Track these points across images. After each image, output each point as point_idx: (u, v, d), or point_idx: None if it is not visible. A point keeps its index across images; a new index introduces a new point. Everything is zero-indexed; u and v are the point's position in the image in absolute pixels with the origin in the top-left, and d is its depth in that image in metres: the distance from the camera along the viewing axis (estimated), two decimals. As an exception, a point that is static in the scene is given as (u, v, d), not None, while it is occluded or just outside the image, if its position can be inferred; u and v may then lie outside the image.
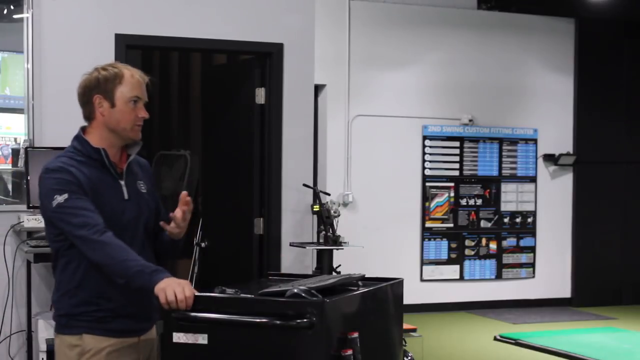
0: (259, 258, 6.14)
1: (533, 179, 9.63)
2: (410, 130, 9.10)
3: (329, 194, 6.63)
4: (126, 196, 2.85)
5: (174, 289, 2.47)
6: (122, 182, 2.86)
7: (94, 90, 2.82)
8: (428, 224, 9.19)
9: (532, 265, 9.60)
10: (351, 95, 8.82)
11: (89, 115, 2.86)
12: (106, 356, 2.80)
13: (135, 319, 2.87)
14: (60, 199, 2.69)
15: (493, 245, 9.44)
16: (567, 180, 9.72)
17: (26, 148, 5.19)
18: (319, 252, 6.29)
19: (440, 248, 9.24)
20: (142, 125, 2.87)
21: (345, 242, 6.30)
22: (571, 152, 9.67)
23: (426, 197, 9.19)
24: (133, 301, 2.82)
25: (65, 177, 2.73)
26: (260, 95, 6.11)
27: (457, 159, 9.32)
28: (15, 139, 5.54)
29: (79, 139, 2.85)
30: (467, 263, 9.33)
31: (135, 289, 2.62)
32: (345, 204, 8.64)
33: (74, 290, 2.81)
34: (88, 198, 2.73)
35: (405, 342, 5.42)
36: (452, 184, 9.28)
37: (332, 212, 6.27)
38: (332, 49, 8.56)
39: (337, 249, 6.31)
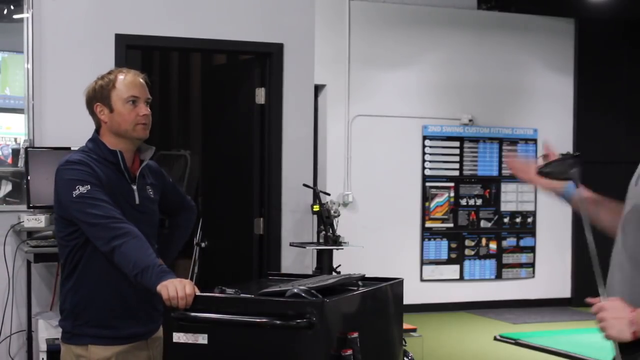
0: (259, 258, 6.14)
1: (533, 179, 9.61)
2: (410, 130, 9.10)
3: (329, 194, 6.63)
4: (137, 201, 2.89)
5: (175, 286, 2.48)
6: (135, 187, 2.88)
7: (94, 100, 2.89)
8: (428, 224, 9.19)
9: (532, 265, 9.61)
10: (351, 95, 8.82)
11: (96, 124, 2.93)
12: (115, 358, 2.81)
13: (141, 323, 2.87)
14: (82, 189, 2.72)
15: (493, 245, 9.44)
16: (567, 180, 9.70)
17: (26, 148, 5.19)
18: (319, 252, 6.29)
19: (440, 248, 9.24)
20: (147, 123, 2.89)
21: (345, 242, 6.29)
22: (571, 152, 9.64)
23: (426, 197, 9.19)
24: (139, 303, 2.83)
25: (86, 169, 2.77)
26: (260, 95, 6.11)
27: (457, 159, 9.32)
28: (15, 139, 5.53)
29: (96, 140, 2.89)
30: (467, 263, 9.33)
31: (141, 285, 2.63)
32: (345, 204, 8.64)
33: (81, 289, 2.82)
34: (106, 194, 2.76)
35: (405, 342, 5.42)
36: (452, 184, 9.28)
37: (332, 212, 6.27)
38: (332, 49, 8.56)
39: (337, 249, 6.31)
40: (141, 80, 2.91)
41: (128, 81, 2.87)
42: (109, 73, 2.92)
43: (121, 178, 2.86)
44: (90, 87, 2.92)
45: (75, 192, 2.72)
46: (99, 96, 2.87)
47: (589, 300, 2.32)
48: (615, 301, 2.28)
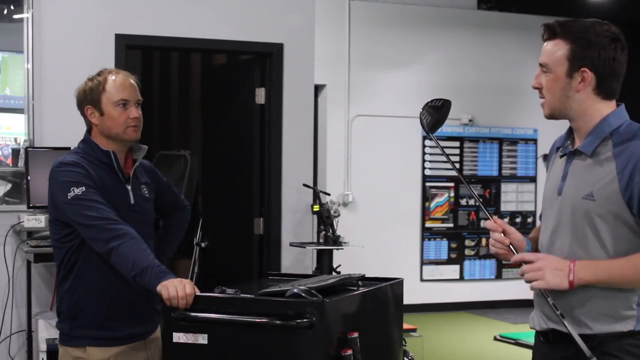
0: (259, 258, 6.14)
1: (533, 179, 9.63)
2: (410, 130, 9.09)
3: (329, 194, 6.63)
4: (132, 200, 2.88)
5: (175, 286, 2.48)
6: (129, 187, 2.87)
7: (84, 102, 2.88)
8: (428, 224, 9.19)
9: (532, 265, 9.60)
10: (351, 95, 8.82)
11: (88, 125, 2.92)
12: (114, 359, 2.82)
13: (138, 323, 2.87)
14: (77, 191, 2.72)
15: (493, 245, 9.42)
16: (567, 180, 9.71)
17: (26, 148, 5.19)
18: (319, 252, 6.29)
19: (440, 248, 9.24)
20: (137, 125, 2.87)
21: (345, 242, 6.29)
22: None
23: (426, 197, 9.19)
24: (136, 304, 2.83)
25: (81, 171, 2.76)
26: (260, 95, 6.11)
27: (457, 159, 9.32)
28: (15, 139, 5.54)
29: (88, 141, 2.88)
30: (467, 263, 9.33)
31: (140, 285, 2.62)
32: (345, 204, 8.64)
33: (78, 291, 2.82)
34: (101, 195, 2.75)
35: (405, 342, 5.41)
36: (452, 184, 9.28)
37: (332, 212, 6.27)
38: (332, 49, 8.56)
39: (337, 249, 6.30)
40: (132, 81, 2.89)
41: (118, 84, 2.85)
42: (99, 74, 2.89)
43: (115, 178, 2.85)
44: (80, 88, 2.90)
45: (70, 194, 2.71)
46: (89, 98, 2.86)
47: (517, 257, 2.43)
48: (549, 255, 2.44)
